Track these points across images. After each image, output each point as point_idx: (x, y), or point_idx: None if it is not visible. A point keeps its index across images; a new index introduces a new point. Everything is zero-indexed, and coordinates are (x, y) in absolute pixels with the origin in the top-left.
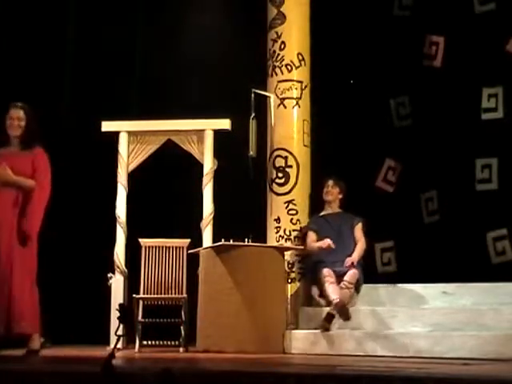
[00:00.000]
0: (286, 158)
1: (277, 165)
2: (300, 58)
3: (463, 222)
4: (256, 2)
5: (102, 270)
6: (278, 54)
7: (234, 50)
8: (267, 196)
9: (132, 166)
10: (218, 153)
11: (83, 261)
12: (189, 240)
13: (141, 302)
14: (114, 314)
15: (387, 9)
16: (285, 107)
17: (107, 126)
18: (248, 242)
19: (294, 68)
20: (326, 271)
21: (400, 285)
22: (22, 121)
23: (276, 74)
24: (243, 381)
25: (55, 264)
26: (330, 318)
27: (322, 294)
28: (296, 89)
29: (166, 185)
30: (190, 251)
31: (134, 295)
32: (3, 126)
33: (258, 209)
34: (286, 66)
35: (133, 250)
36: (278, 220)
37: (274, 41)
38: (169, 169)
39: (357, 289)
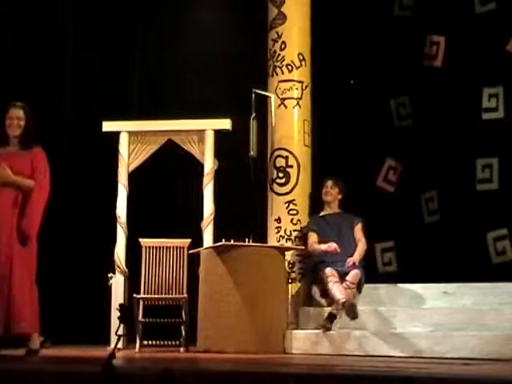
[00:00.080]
0: (286, 158)
1: (277, 165)
2: (301, 58)
3: (464, 222)
4: (256, 2)
5: (102, 270)
6: (279, 54)
7: (234, 49)
8: (268, 196)
9: (133, 166)
10: (218, 153)
11: (84, 261)
12: (189, 240)
13: (141, 302)
14: (115, 314)
15: (388, 9)
16: (285, 107)
17: (108, 126)
18: (248, 242)
19: (294, 68)
20: (328, 271)
21: (400, 285)
22: (22, 120)
23: (276, 74)
24: (244, 381)
25: (56, 264)
26: (331, 317)
27: (325, 293)
28: (297, 89)
29: (167, 185)
30: (190, 251)
31: (134, 295)
32: (2, 125)
33: (259, 209)
34: (287, 66)
35: (133, 250)
36: (278, 220)
37: (275, 41)
38: (169, 169)
39: (359, 289)
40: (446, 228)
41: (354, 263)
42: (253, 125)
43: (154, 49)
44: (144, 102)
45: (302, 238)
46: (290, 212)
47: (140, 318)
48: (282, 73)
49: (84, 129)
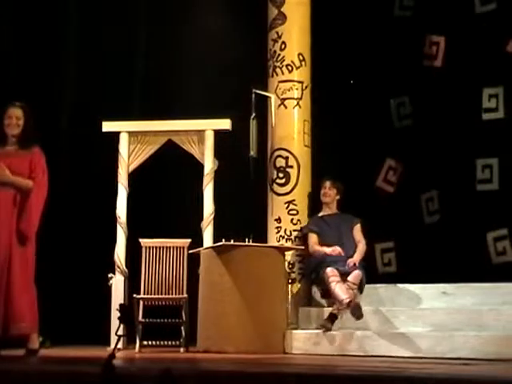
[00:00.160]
0: (286, 158)
1: (277, 165)
2: (301, 58)
3: (464, 222)
4: (256, 2)
5: (102, 270)
6: (279, 55)
7: (234, 50)
8: (268, 196)
9: (132, 167)
10: (218, 153)
11: (84, 261)
12: (189, 240)
13: (141, 302)
14: (115, 314)
15: (388, 9)
16: (285, 107)
17: (108, 127)
18: (248, 242)
19: (294, 68)
20: (330, 271)
21: (400, 285)
22: (21, 120)
23: (276, 75)
24: (244, 381)
25: (56, 264)
26: (332, 318)
27: (325, 294)
28: (297, 89)
29: (167, 185)
30: (190, 251)
31: (134, 295)
32: (1, 124)
33: (259, 209)
34: (287, 66)
35: (133, 250)
36: (278, 220)
37: (275, 41)
38: (169, 169)
39: (360, 289)
40: (446, 228)
41: (354, 264)
42: (253, 125)
43: (155, 49)
44: (144, 102)
45: (302, 238)
46: (290, 212)
47: (140, 318)
48: (282, 73)
49: (84, 129)
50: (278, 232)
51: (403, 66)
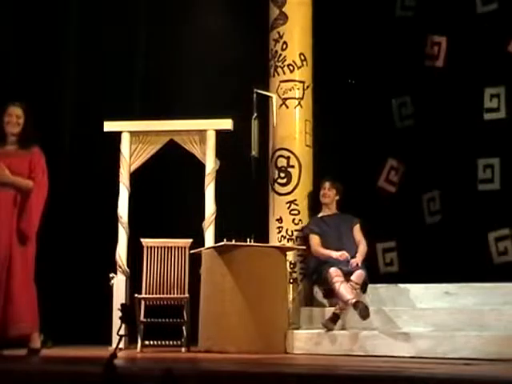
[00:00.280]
0: (288, 158)
1: (279, 165)
2: (302, 58)
3: (465, 222)
4: (258, 2)
5: (104, 269)
6: (280, 54)
7: (235, 50)
8: (269, 196)
9: (134, 166)
10: (220, 153)
11: (85, 261)
12: (191, 240)
13: (143, 302)
14: (116, 314)
15: (389, 9)
16: (287, 107)
17: (109, 126)
18: (250, 242)
19: (296, 68)
20: (333, 271)
21: (402, 285)
22: (21, 118)
23: (278, 74)
24: (245, 381)
25: (58, 264)
26: (335, 318)
27: (328, 294)
28: (298, 89)
29: (168, 185)
30: (192, 251)
31: (135, 295)
32: (1, 123)
33: (260, 209)
34: (288, 66)
35: (135, 250)
36: (280, 220)
37: (276, 41)
38: (171, 169)
39: (363, 288)
40: (448, 228)
41: (357, 264)
42: (254, 125)
43: (156, 49)
44: (145, 102)
45: (303, 238)
46: (292, 212)
47: (141, 317)
48: (284, 73)
49: (86, 129)
50: (280, 232)
51: (405, 66)
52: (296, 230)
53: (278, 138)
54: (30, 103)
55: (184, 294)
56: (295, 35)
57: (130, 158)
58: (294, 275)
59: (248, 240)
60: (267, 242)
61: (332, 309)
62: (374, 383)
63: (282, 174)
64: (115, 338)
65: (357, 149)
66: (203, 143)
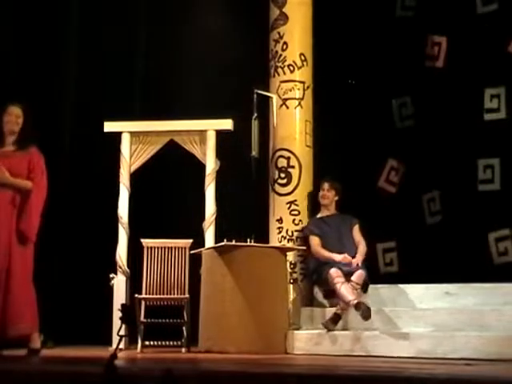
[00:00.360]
0: (288, 158)
1: (279, 165)
2: (302, 58)
3: (465, 223)
4: (258, 3)
5: (104, 270)
6: (281, 55)
7: (236, 50)
8: (269, 196)
9: (134, 167)
10: (220, 153)
11: (85, 261)
12: (191, 240)
13: (143, 303)
14: (117, 315)
15: (390, 9)
16: (287, 108)
17: (110, 127)
18: (250, 242)
19: (296, 68)
20: (334, 271)
21: (402, 285)
22: (20, 118)
23: (278, 75)
24: (245, 381)
25: (58, 264)
26: (336, 318)
27: (328, 294)
28: (298, 89)
29: (169, 185)
30: (192, 251)
31: (136, 295)
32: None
33: (261, 209)
34: (289, 66)
35: (135, 251)
36: (280, 220)
37: (277, 41)
38: (171, 169)
39: (364, 288)
40: (448, 228)
41: (357, 264)
42: (254, 125)
43: (156, 49)
44: (146, 102)
45: (303, 239)
46: (292, 212)
47: (142, 318)
48: (284, 73)
49: (86, 129)
50: (280, 232)
51: (405, 66)
52: (296, 231)
53: (279, 138)
54: (30, 103)
55: (184, 294)
56: (295, 35)
57: (130, 159)
58: (295, 275)
59: (248, 240)
60: (267, 243)
61: (332, 309)
62: (375, 383)
63: (283, 175)
64: (115, 339)
65: (357, 149)
66: (203, 143)
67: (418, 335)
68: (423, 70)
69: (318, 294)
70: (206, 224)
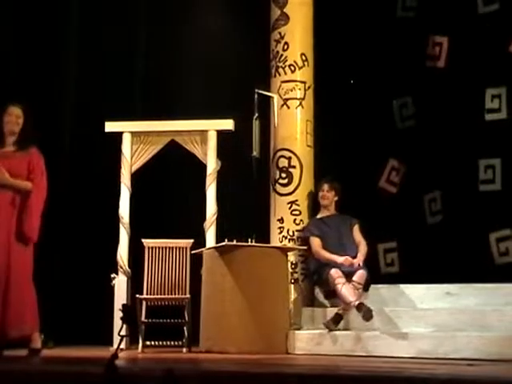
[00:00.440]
0: (289, 158)
1: (280, 165)
2: (303, 58)
3: (466, 223)
4: (259, 3)
5: (105, 270)
6: (282, 55)
7: (237, 50)
8: (270, 196)
9: (135, 167)
10: (221, 153)
11: (87, 261)
12: (192, 240)
13: (144, 303)
14: (117, 315)
15: (391, 10)
16: (288, 108)
17: (110, 127)
18: (251, 242)
19: (297, 68)
20: (334, 272)
21: (403, 285)
22: (20, 118)
23: (279, 75)
24: (246, 381)
25: (59, 264)
26: (338, 318)
27: (329, 294)
28: (299, 89)
29: (170, 185)
30: (193, 252)
31: (137, 295)
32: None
33: (261, 209)
34: (290, 66)
35: (136, 251)
36: (281, 220)
37: (278, 41)
38: (172, 169)
39: (365, 287)
40: (449, 229)
41: (358, 264)
42: (255, 125)
43: (157, 49)
44: (146, 102)
45: (303, 239)
46: (293, 212)
47: (143, 318)
48: (285, 73)
49: (87, 129)
50: (281, 232)
51: (406, 66)
52: (297, 231)
53: (279, 138)
54: (30, 103)
55: (185, 294)
56: (296, 35)
57: (131, 159)
58: (295, 275)
59: (249, 240)
60: (268, 243)
61: (333, 309)
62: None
63: (284, 175)
64: (116, 339)
65: (358, 149)
66: (204, 143)
67: (419, 335)
68: (424, 70)
69: (319, 294)
70: (206, 224)
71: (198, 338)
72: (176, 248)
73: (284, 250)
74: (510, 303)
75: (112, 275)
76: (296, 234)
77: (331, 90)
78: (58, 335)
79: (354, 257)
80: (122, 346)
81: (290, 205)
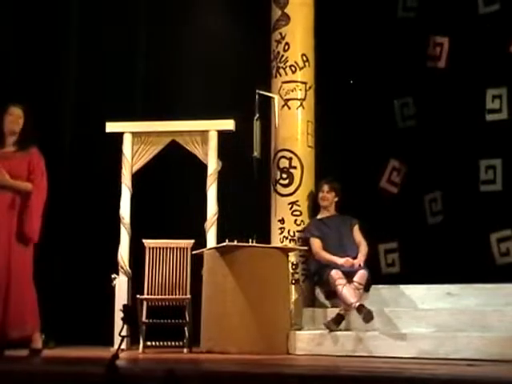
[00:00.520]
0: (290, 159)
1: (281, 166)
2: (304, 58)
3: (467, 223)
4: (260, 3)
5: (106, 270)
6: (282, 55)
7: (237, 50)
8: (271, 197)
9: (136, 167)
10: (221, 154)
11: (87, 261)
12: (193, 241)
13: (145, 303)
14: (118, 315)
15: (391, 10)
16: (289, 108)
17: (111, 127)
18: (252, 242)
19: (298, 69)
20: (335, 273)
21: (404, 286)
22: (21, 118)
23: (280, 75)
24: (247, 382)
25: (59, 264)
26: (339, 319)
27: (329, 295)
28: (300, 90)
29: (170, 186)
30: (193, 252)
31: (137, 296)
32: (0, 125)
33: (262, 210)
34: (290, 66)
35: (137, 251)
36: (282, 221)
37: (278, 42)
38: (173, 170)
39: (366, 287)
40: (450, 229)
41: (359, 264)
42: (256, 126)
43: (158, 49)
44: (147, 102)
45: (303, 240)
46: (294, 213)
47: (143, 318)
48: (286, 74)
49: (87, 130)
50: (282, 233)
51: (407, 66)
52: (298, 231)
53: (280, 138)
54: (30, 104)
55: (186, 294)
56: (297, 36)
57: (131, 159)
58: (296, 276)
59: (250, 241)
60: (269, 243)
61: (334, 310)
62: None
63: (284, 175)
64: (117, 339)
65: (359, 150)
66: (205, 144)
67: (420, 336)
68: (425, 70)
69: (320, 294)
70: (207, 224)
71: (198, 339)
72: (177, 248)
73: (285, 251)
74: (511, 303)
75: (113, 275)
76: (297, 234)
77: (332, 91)
78: (58, 335)
79: (355, 257)
80: (123, 346)
81: (290, 205)
